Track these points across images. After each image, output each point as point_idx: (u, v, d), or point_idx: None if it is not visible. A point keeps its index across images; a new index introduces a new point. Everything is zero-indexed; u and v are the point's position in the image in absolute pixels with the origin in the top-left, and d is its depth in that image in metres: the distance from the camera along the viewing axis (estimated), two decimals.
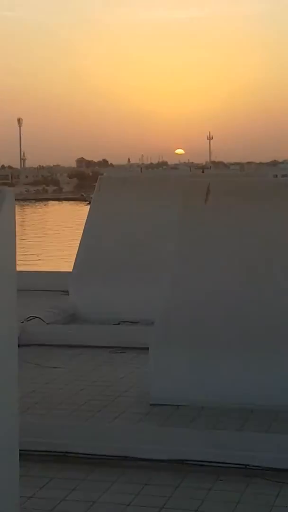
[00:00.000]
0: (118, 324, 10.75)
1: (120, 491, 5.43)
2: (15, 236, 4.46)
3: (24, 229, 48.60)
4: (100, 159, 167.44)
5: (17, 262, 4.50)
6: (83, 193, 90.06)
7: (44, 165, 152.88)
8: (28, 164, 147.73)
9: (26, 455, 4.90)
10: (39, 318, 10.59)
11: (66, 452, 5.95)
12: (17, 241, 4.52)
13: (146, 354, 7.64)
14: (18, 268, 4.57)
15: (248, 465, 5.62)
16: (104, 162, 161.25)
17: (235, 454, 5.71)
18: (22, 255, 27.86)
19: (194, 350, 7.29)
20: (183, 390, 7.21)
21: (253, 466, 5.61)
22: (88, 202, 47.58)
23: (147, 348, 7.59)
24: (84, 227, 12.24)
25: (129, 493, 5.36)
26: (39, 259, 30.83)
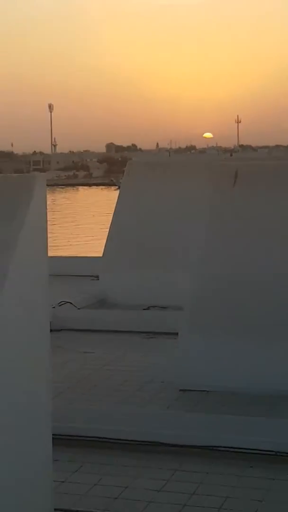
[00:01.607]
0: (148, 309, 10.76)
1: (151, 476, 5.44)
2: (46, 221, 4.47)
3: (54, 215, 48.75)
4: (129, 144, 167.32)
5: (48, 247, 4.51)
6: (112, 178, 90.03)
7: (74, 151, 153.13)
8: (59, 149, 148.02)
9: (57, 440, 4.92)
10: (71, 303, 10.63)
11: (97, 437, 5.97)
12: (48, 227, 4.53)
13: (176, 339, 7.63)
14: (49, 253, 4.58)
15: (279, 452, 5.60)
16: (133, 147, 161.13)
17: (265, 441, 5.69)
18: (53, 240, 27.95)
19: (224, 335, 7.27)
20: (213, 375, 7.20)
21: (284, 452, 5.59)
22: (117, 187, 47.58)
23: (177, 333, 7.58)
24: (114, 212, 12.25)
25: (160, 479, 5.38)
26: (70, 244, 30.92)
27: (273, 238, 7.42)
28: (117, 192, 12.97)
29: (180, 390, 7.22)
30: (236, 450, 5.69)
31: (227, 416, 6.39)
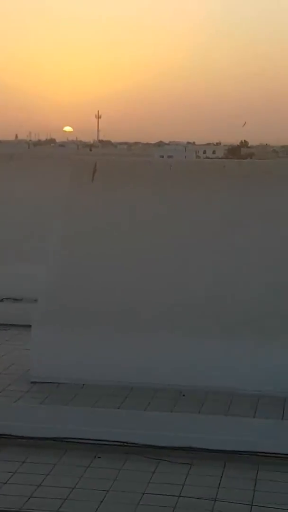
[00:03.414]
0: (1, 301, 10.65)
1: None
2: None
3: None
4: None
5: None
6: None
7: None
8: None
9: None
10: None
11: None
12: None
13: (29, 331, 7.61)
14: None
15: (126, 442, 5.70)
16: None
17: (114, 432, 5.78)
18: None
19: (75, 328, 7.31)
20: (64, 368, 7.23)
21: (131, 443, 5.69)
22: None
23: (30, 326, 7.56)
24: None
25: (6, 471, 5.34)
26: None
27: (128, 232, 7.52)
28: None
29: (31, 382, 7.21)
30: (84, 441, 5.74)
31: (76, 408, 6.44)
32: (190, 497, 5.03)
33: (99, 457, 5.59)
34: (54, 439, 5.78)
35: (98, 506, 4.87)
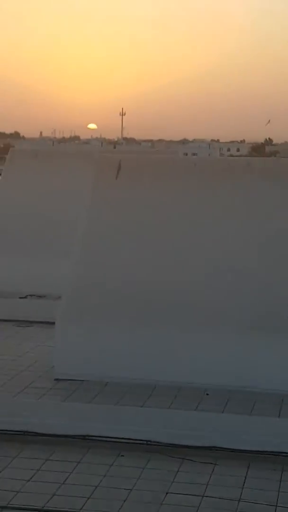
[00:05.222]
0: (25, 297, 10.66)
1: (21, 466, 5.40)
2: None
3: None
4: (12, 131, 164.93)
5: None
6: None
7: None
8: None
9: None
10: None
11: None
12: None
13: (53, 328, 7.61)
14: None
15: (149, 441, 5.67)
16: (16, 135, 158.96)
17: (137, 430, 5.75)
18: None
19: (100, 326, 7.29)
20: (88, 365, 7.21)
21: (154, 442, 5.67)
22: None
23: (54, 323, 7.56)
24: None
25: (30, 469, 5.34)
26: None
27: (153, 229, 7.49)
28: None
29: (55, 379, 7.20)
30: (107, 439, 5.72)
31: (99, 406, 6.42)
32: (213, 497, 5.00)
33: (122, 456, 5.57)
34: (77, 437, 5.76)
35: (122, 505, 4.86)
